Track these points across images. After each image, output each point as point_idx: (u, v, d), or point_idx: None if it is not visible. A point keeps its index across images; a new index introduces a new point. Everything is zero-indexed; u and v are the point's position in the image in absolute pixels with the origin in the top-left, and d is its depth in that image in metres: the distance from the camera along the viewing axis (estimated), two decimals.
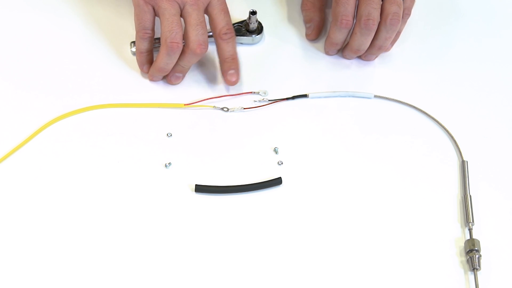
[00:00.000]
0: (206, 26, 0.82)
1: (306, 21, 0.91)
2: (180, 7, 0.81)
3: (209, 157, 0.81)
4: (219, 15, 0.83)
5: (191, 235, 0.76)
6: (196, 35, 0.80)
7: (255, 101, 0.85)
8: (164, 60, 0.82)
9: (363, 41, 0.84)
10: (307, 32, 0.91)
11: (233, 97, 0.85)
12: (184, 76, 0.85)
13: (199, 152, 0.81)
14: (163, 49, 0.81)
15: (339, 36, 0.86)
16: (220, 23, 0.83)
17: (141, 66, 0.85)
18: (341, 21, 0.83)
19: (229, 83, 0.85)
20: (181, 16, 0.82)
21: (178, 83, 0.85)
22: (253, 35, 0.89)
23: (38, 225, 0.75)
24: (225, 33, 0.83)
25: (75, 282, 0.72)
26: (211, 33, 0.84)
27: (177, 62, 0.83)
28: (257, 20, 0.89)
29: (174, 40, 0.80)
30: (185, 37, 0.81)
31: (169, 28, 0.80)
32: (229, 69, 0.84)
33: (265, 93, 0.86)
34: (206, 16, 0.83)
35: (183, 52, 0.82)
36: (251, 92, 0.86)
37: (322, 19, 0.91)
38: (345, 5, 0.83)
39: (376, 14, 0.82)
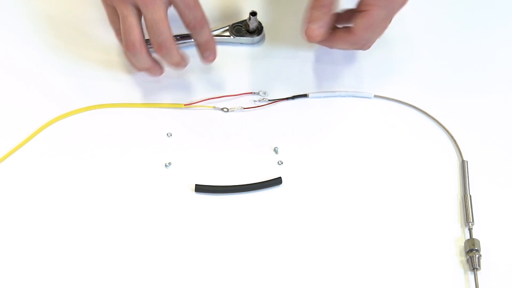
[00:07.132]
0: (164, 24, 0.78)
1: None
2: (135, 7, 0.79)
3: (209, 157, 0.81)
4: (184, 11, 0.80)
5: (191, 235, 0.76)
6: (152, 37, 0.79)
7: (255, 101, 0.85)
8: (132, 61, 0.81)
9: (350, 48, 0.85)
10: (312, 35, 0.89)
11: (233, 97, 0.85)
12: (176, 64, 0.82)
13: (199, 152, 0.81)
14: (125, 51, 0.80)
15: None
16: (186, 19, 0.81)
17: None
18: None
19: (207, 62, 0.84)
20: None
21: (160, 75, 0.83)
22: (253, 36, 0.89)
23: (38, 225, 0.75)
24: (193, 27, 0.81)
25: (75, 282, 0.72)
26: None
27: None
28: (257, 21, 0.89)
29: (129, 41, 0.79)
30: None
31: (123, 31, 0.79)
32: (204, 52, 0.83)
33: (265, 93, 0.86)
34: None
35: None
36: (251, 92, 0.86)
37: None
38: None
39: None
